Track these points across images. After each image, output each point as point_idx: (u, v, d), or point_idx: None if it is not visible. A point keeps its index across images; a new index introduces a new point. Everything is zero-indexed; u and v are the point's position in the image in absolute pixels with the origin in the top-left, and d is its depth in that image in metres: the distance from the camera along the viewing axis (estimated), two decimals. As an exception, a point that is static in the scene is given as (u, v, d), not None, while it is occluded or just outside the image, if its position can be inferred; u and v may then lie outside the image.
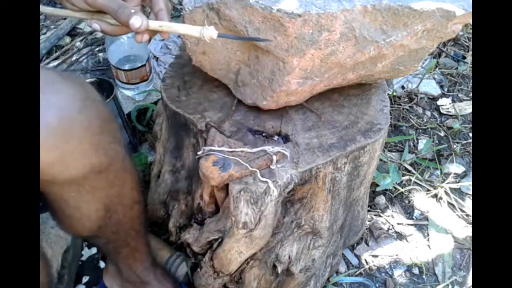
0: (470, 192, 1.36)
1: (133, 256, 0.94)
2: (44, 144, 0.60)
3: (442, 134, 1.52)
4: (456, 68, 1.71)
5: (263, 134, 0.90)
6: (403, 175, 1.38)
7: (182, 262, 1.08)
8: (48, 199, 0.76)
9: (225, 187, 0.88)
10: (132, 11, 0.67)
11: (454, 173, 1.41)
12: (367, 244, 1.25)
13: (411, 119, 1.54)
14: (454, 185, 1.37)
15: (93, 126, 0.66)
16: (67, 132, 0.62)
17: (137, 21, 0.66)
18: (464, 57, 1.76)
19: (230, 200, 0.85)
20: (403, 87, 1.64)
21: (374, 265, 1.21)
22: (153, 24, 0.69)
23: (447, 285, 1.18)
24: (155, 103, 1.42)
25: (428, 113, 1.58)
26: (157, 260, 1.04)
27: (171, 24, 0.69)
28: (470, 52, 1.76)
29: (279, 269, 0.98)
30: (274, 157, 0.84)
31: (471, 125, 1.53)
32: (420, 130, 1.52)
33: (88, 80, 1.26)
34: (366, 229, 1.26)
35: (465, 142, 1.50)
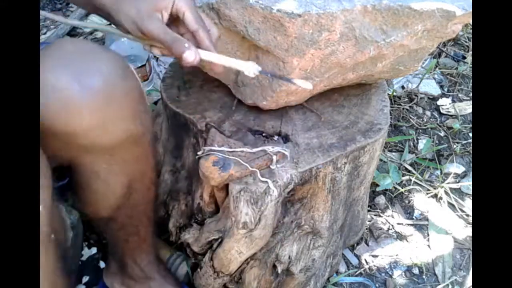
0: (470, 192, 1.36)
1: (140, 247, 0.95)
2: (88, 107, 0.64)
3: (442, 134, 1.52)
4: (456, 68, 1.71)
5: (263, 134, 0.90)
6: (403, 175, 1.38)
7: (182, 262, 1.08)
8: (77, 173, 0.79)
9: (225, 187, 0.88)
10: (186, 45, 0.69)
11: (454, 173, 1.41)
12: (367, 244, 1.25)
13: (411, 119, 1.54)
14: (454, 185, 1.37)
15: (132, 93, 0.70)
16: (110, 97, 0.66)
17: (190, 55, 0.68)
18: (464, 57, 1.76)
19: (230, 200, 0.85)
20: (403, 87, 1.64)
21: (374, 265, 1.21)
22: (204, 57, 0.71)
23: (447, 285, 1.18)
24: (155, 103, 1.42)
25: (428, 113, 1.58)
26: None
27: (220, 56, 0.71)
28: (470, 52, 1.76)
29: (279, 269, 0.98)
30: (274, 157, 0.84)
31: (471, 125, 1.53)
32: (420, 130, 1.52)
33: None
34: (366, 229, 1.26)
35: (465, 142, 1.50)
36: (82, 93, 0.64)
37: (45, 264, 0.61)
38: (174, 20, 0.72)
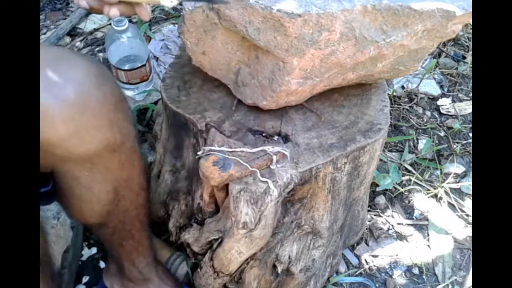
0: (470, 192, 1.36)
1: (137, 250, 0.95)
2: (61, 116, 0.62)
3: (442, 134, 1.52)
4: (456, 68, 1.71)
5: (263, 134, 0.90)
6: (403, 175, 1.38)
7: (182, 262, 1.08)
8: (59, 180, 0.77)
9: (225, 187, 0.88)
10: None
11: (454, 173, 1.41)
12: (367, 244, 1.25)
13: (411, 119, 1.54)
14: (454, 185, 1.37)
15: (108, 102, 0.68)
16: (83, 106, 0.64)
17: None
18: (464, 57, 1.75)
19: (230, 200, 0.85)
20: (403, 87, 1.64)
21: (374, 265, 1.21)
22: None
23: (447, 285, 1.18)
24: (155, 103, 1.42)
25: (428, 113, 1.58)
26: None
27: None
28: (470, 52, 1.75)
29: (279, 269, 0.98)
30: (274, 157, 0.84)
31: (471, 125, 1.53)
32: (420, 130, 1.52)
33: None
34: (366, 229, 1.26)
35: (465, 142, 1.50)
36: (55, 103, 0.62)
37: None
38: None
